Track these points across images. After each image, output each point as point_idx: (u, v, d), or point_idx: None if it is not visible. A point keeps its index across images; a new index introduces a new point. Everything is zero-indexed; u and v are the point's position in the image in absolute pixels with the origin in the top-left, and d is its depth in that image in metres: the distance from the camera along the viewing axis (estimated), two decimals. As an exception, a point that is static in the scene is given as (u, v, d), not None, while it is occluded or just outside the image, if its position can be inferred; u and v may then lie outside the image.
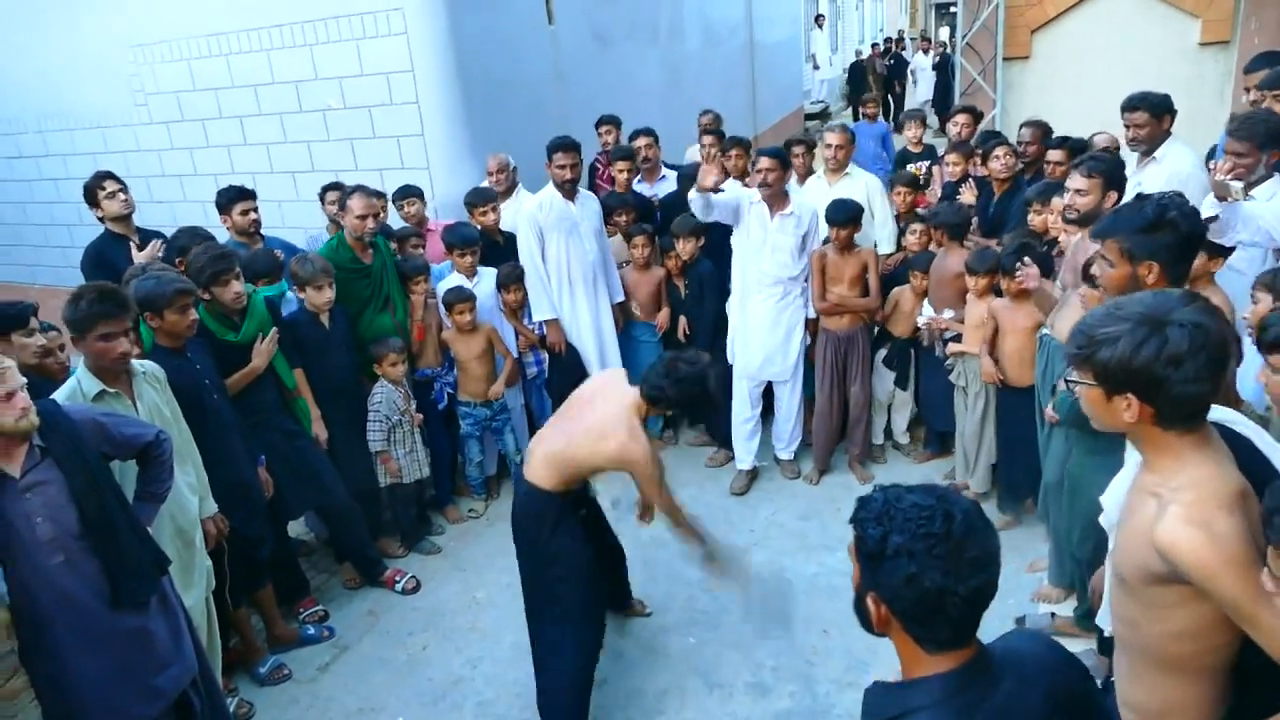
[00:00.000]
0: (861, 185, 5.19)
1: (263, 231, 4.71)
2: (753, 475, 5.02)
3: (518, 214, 5.08)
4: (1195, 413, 1.55)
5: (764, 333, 4.72)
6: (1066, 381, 1.69)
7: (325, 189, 5.24)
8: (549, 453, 3.08)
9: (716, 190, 4.23)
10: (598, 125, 6.31)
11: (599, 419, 3.04)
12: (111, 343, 2.82)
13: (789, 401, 4.94)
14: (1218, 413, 1.73)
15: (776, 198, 4.51)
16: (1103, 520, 1.84)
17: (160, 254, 4.29)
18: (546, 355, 5.05)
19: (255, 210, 4.50)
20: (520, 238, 4.90)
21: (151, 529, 2.74)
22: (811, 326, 4.84)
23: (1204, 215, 3.16)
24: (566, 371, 4.98)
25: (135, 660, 2.58)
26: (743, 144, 5.60)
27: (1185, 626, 1.58)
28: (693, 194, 4.32)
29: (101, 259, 4.54)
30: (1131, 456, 1.71)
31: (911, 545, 1.25)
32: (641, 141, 5.83)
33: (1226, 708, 1.66)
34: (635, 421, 3.00)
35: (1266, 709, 1.55)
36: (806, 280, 4.72)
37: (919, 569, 1.24)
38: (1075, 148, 4.75)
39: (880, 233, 5.19)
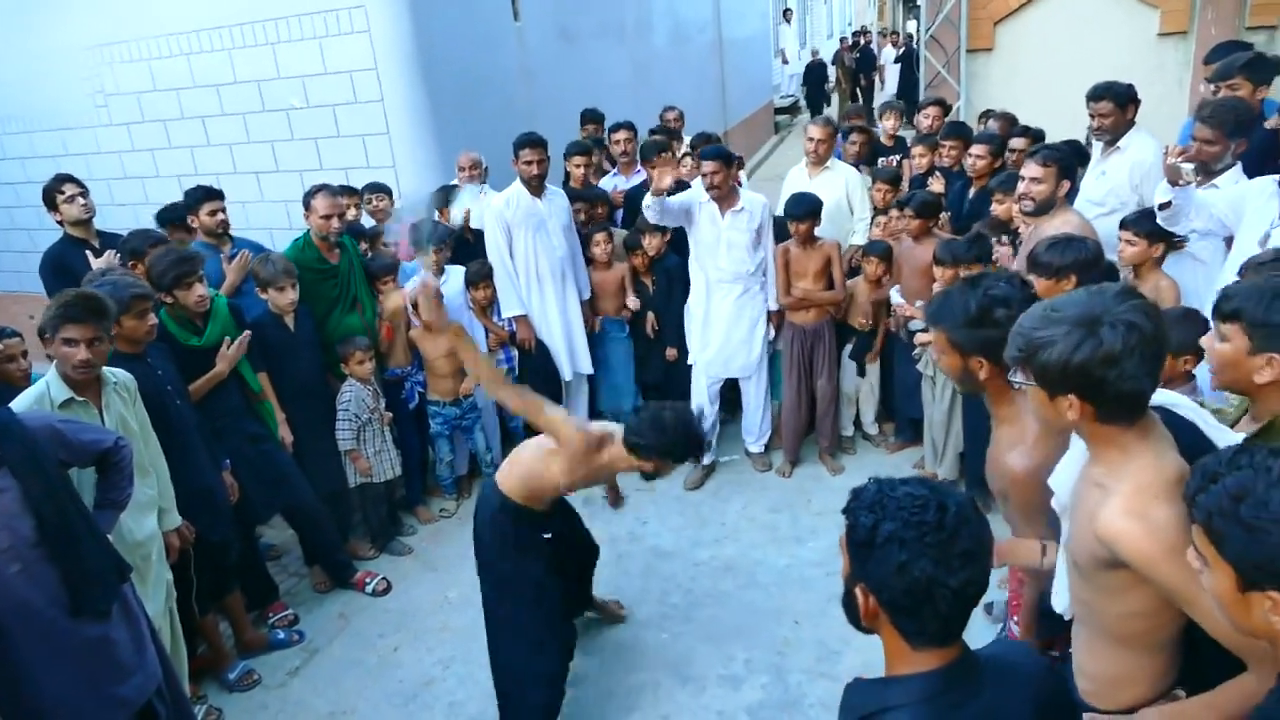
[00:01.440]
0: (842, 179, 5.22)
1: (231, 233, 4.64)
2: (709, 470, 5.06)
3: (485, 211, 5.06)
4: (1135, 406, 1.59)
5: (726, 329, 4.75)
6: (1011, 382, 1.73)
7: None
8: (514, 457, 3.06)
9: (671, 193, 4.24)
10: (582, 122, 6.25)
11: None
12: (72, 348, 2.78)
13: (756, 395, 4.96)
14: (1161, 396, 1.78)
15: (725, 196, 4.53)
16: (1054, 503, 1.88)
17: (117, 259, 4.22)
18: (516, 352, 5.03)
19: (223, 211, 4.43)
20: (487, 234, 4.88)
21: (111, 537, 2.71)
22: (775, 319, 4.87)
23: (1157, 202, 3.23)
24: (537, 368, 4.99)
25: (97, 669, 2.54)
26: (693, 146, 5.67)
27: (1136, 607, 1.63)
28: (648, 199, 4.34)
29: (61, 264, 4.45)
30: (1078, 441, 1.74)
31: (903, 533, 1.24)
32: (620, 135, 5.81)
33: (1177, 675, 1.73)
34: (594, 442, 2.89)
35: (1215, 676, 1.60)
36: (765, 274, 4.75)
37: (909, 558, 1.23)
38: (1037, 137, 4.81)
39: (858, 226, 5.22)
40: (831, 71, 18.56)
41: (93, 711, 2.53)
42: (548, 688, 3.13)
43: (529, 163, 4.70)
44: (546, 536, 3.16)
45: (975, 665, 1.33)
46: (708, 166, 4.43)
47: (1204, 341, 2.04)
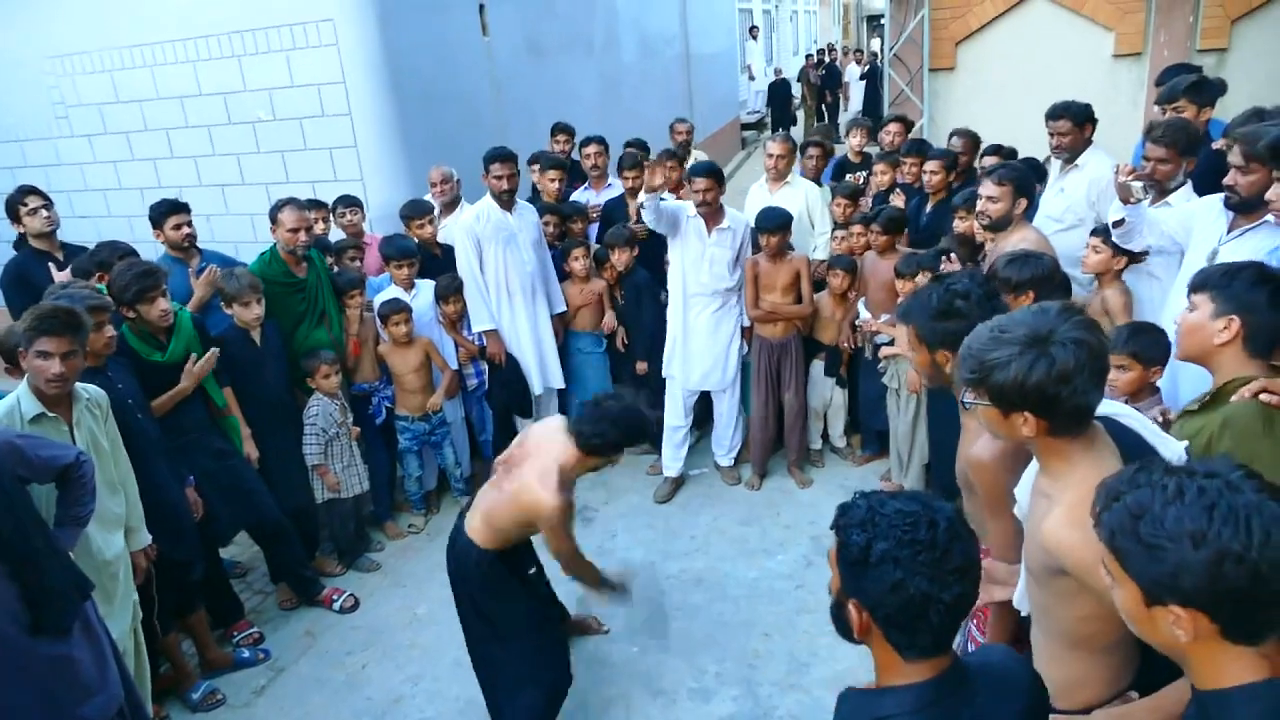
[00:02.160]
0: (802, 194, 5.29)
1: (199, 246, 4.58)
2: (678, 483, 5.09)
3: (455, 226, 5.06)
4: (1083, 419, 1.66)
5: (704, 343, 4.81)
6: (963, 403, 1.77)
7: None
8: (485, 510, 2.99)
9: (662, 194, 4.31)
10: (552, 133, 6.31)
11: (523, 480, 2.90)
12: (46, 361, 2.74)
13: (729, 409, 5.01)
14: (1107, 407, 1.84)
15: (714, 213, 4.60)
16: (1016, 510, 1.93)
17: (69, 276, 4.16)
18: (487, 366, 5.02)
19: (190, 225, 4.37)
20: (458, 248, 4.88)
21: (73, 554, 2.66)
22: (747, 334, 4.93)
23: (1111, 219, 3.32)
24: (507, 383, 4.98)
25: (58, 689, 2.49)
26: (676, 156, 5.68)
27: (1085, 611, 1.68)
28: (643, 197, 4.38)
29: (22, 276, 4.39)
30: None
31: (897, 552, 1.25)
32: (591, 149, 5.83)
33: (1131, 679, 1.78)
34: (556, 479, 2.84)
35: (1165, 679, 1.64)
36: (741, 290, 4.81)
37: (904, 576, 1.24)
38: (1009, 155, 4.91)
39: (819, 240, 5.29)
40: (797, 89, 18.77)
41: None
42: (549, 704, 3.12)
43: (499, 177, 4.72)
44: (531, 572, 3.16)
45: (966, 674, 1.35)
46: (700, 183, 4.48)
47: (1176, 319, 2.20)
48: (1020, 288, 2.90)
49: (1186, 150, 3.55)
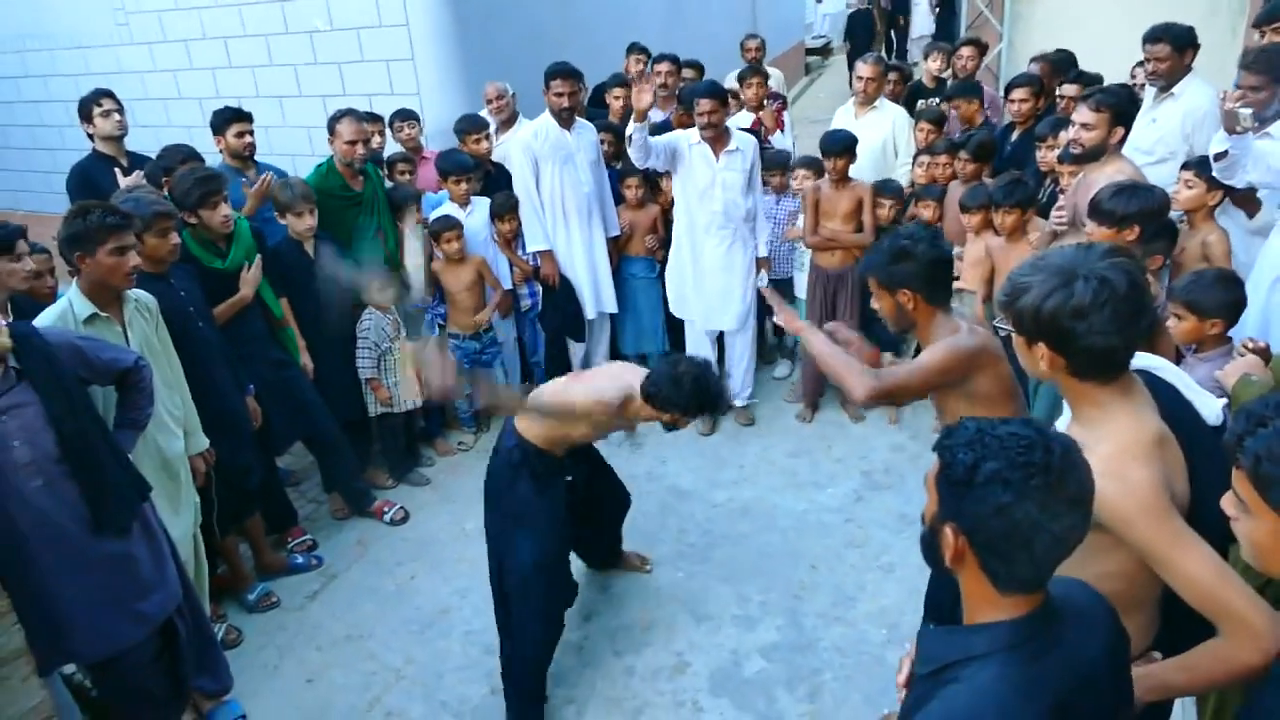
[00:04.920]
0: (889, 120, 5.09)
1: (255, 158, 4.56)
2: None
3: (512, 143, 4.96)
4: (1108, 365, 1.58)
5: (717, 282, 4.65)
6: (994, 325, 1.72)
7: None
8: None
9: (656, 131, 4.17)
10: (628, 52, 6.12)
11: (587, 383, 2.99)
12: (124, 256, 2.75)
13: (742, 349, 4.90)
14: (1142, 360, 1.77)
15: (719, 136, 4.40)
16: None
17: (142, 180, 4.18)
18: (541, 288, 4.97)
19: (251, 134, 4.34)
20: (514, 166, 4.77)
21: (132, 457, 2.71)
22: (765, 265, 4.80)
23: (1213, 151, 3.10)
24: (559, 305, 4.93)
25: (119, 584, 2.57)
26: (759, 73, 5.57)
27: (1112, 568, 1.61)
28: (632, 127, 4.20)
29: (87, 180, 4.43)
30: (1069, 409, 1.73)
31: (1008, 473, 1.17)
32: (664, 67, 5.61)
33: (1155, 636, 1.73)
34: (618, 394, 2.85)
35: (1184, 640, 1.59)
36: (755, 219, 4.65)
37: (1013, 499, 1.17)
38: (1090, 82, 4.61)
39: (900, 170, 5.07)
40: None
41: (113, 625, 2.57)
42: (545, 623, 3.09)
43: (560, 94, 4.55)
44: (568, 480, 3.12)
45: (1056, 610, 1.28)
46: (704, 105, 4.27)
47: None
48: (1125, 221, 2.72)
49: None
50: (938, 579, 2.71)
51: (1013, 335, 1.69)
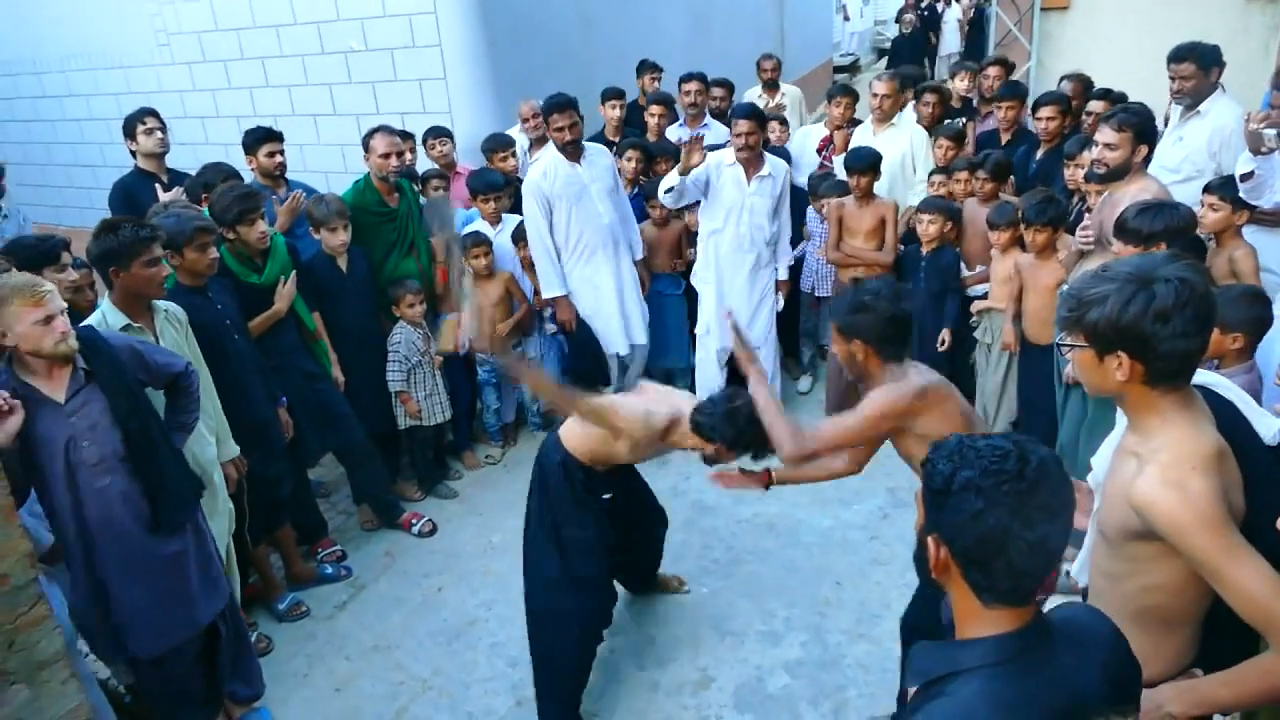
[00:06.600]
0: (906, 137, 5.08)
1: (287, 176, 4.67)
2: None
3: (524, 186, 4.92)
4: (1183, 369, 1.57)
5: (738, 303, 4.62)
6: (1057, 346, 1.71)
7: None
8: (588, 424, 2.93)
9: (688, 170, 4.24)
10: (639, 72, 6.18)
11: (636, 398, 2.98)
12: (157, 268, 2.85)
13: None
14: (1202, 376, 1.76)
15: (753, 160, 4.41)
16: (1089, 480, 1.85)
17: (183, 195, 4.29)
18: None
19: (282, 153, 4.45)
20: (525, 211, 4.59)
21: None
22: (784, 288, 4.81)
23: (1239, 172, 3.09)
24: (579, 351, 4.84)
25: (174, 583, 2.67)
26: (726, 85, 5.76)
27: (1162, 580, 1.61)
28: (672, 179, 4.24)
29: (128, 195, 4.57)
30: (1123, 420, 1.72)
31: (980, 481, 1.20)
32: (692, 86, 5.64)
33: (1194, 657, 1.71)
34: (665, 415, 2.82)
35: (1230, 658, 1.58)
36: (778, 244, 4.68)
37: (985, 505, 1.19)
38: (1116, 100, 4.61)
39: (917, 188, 5.06)
40: (893, 30, 17.96)
41: (165, 626, 2.66)
42: (591, 629, 3.11)
43: (560, 129, 4.39)
44: (607, 497, 3.09)
45: (1048, 629, 1.28)
46: (742, 126, 4.28)
47: None
48: (1151, 239, 2.71)
49: None
50: (917, 603, 2.75)
51: (1074, 352, 1.66)
